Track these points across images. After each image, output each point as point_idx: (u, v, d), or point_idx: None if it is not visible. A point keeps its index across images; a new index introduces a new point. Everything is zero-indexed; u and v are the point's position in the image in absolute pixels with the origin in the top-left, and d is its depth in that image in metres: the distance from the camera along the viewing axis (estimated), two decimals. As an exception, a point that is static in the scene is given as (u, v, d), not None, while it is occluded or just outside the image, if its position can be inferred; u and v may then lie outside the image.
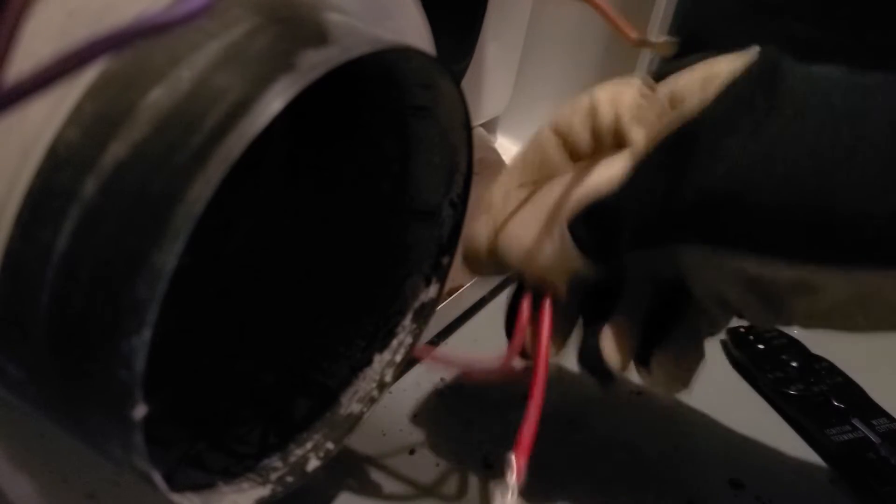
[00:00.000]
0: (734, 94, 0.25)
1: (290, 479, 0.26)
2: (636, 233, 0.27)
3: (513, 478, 0.26)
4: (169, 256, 0.17)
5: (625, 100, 0.28)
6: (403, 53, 0.22)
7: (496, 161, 0.48)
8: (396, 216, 0.30)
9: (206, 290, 0.32)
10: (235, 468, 0.26)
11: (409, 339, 0.30)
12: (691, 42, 0.61)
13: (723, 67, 0.26)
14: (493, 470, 0.34)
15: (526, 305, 0.29)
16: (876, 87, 0.26)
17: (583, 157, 0.29)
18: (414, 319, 0.30)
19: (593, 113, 0.29)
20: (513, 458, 0.27)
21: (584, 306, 0.30)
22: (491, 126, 0.55)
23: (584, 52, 0.50)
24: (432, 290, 0.29)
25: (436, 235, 0.29)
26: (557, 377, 0.39)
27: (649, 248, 0.27)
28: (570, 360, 0.38)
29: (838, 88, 0.26)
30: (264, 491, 0.25)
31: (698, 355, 0.30)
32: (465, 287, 0.40)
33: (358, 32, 0.21)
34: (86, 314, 0.18)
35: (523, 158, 0.30)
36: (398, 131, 0.28)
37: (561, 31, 0.51)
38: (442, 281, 0.29)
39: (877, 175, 0.24)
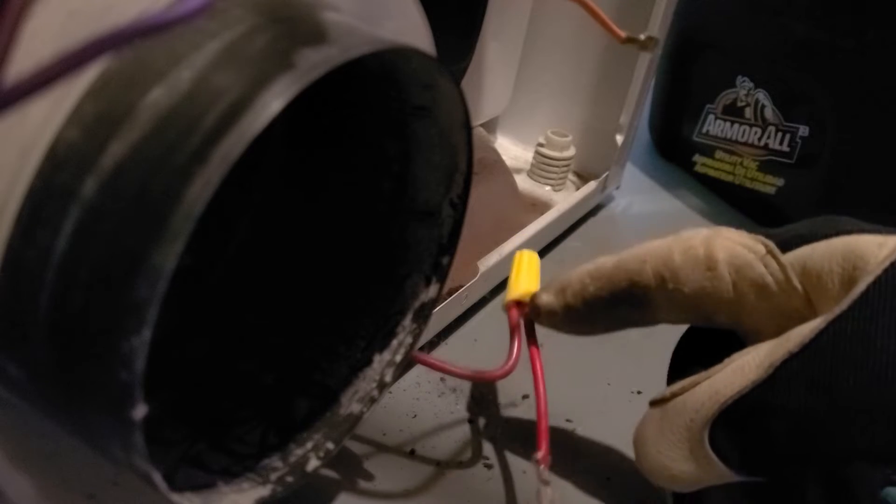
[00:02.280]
0: (885, 294, 0.23)
1: (290, 479, 0.26)
2: (783, 442, 0.24)
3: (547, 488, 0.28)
4: (169, 256, 0.17)
5: (746, 264, 0.26)
6: (403, 53, 0.22)
7: (496, 161, 0.48)
8: (396, 216, 0.30)
9: (206, 290, 0.32)
10: (235, 468, 0.26)
11: (409, 339, 0.30)
12: (691, 42, 0.61)
13: (867, 250, 0.24)
14: (493, 470, 0.34)
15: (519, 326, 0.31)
16: None
17: (675, 298, 0.27)
18: (414, 319, 0.30)
19: (710, 267, 0.26)
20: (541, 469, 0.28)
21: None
22: (491, 126, 0.55)
23: (584, 52, 0.50)
24: (432, 290, 0.29)
25: (436, 235, 0.29)
26: (557, 378, 0.39)
27: (800, 460, 0.24)
28: (568, 360, 0.38)
29: None
30: (264, 491, 0.25)
31: None
32: (465, 287, 0.40)
33: (358, 32, 0.21)
34: (86, 314, 0.18)
35: (600, 267, 0.29)
36: (398, 131, 0.28)
37: (561, 31, 0.51)
38: (442, 281, 0.29)
39: None
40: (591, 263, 0.30)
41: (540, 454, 0.29)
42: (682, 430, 0.26)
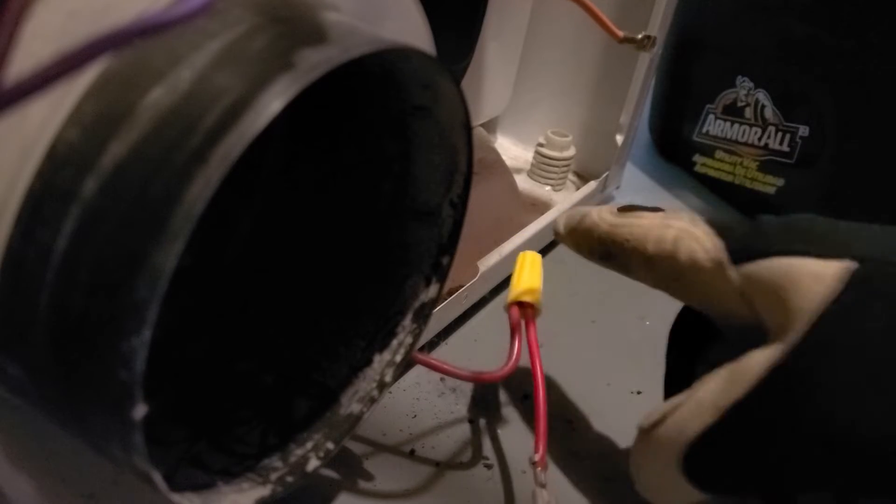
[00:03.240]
0: (830, 324, 0.24)
1: (290, 479, 0.26)
2: (737, 476, 0.27)
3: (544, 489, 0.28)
4: (169, 256, 0.17)
5: (703, 270, 0.28)
6: (403, 53, 0.22)
7: (496, 161, 0.48)
8: (396, 216, 0.30)
9: (206, 290, 0.32)
10: (235, 468, 0.26)
11: (409, 339, 0.30)
12: (691, 42, 0.61)
13: (802, 285, 0.25)
14: (493, 470, 0.34)
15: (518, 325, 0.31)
16: None
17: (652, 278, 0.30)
18: (414, 319, 0.30)
19: (674, 267, 0.29)
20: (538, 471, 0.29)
21: None
22: (491, 126, 0.55)
23: (584, 52, 0.50)
24: (432, 290, 0.29)
25: (436, 235, 0.29)
26: (557, 378, 0.39)
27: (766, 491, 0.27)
28: (568, 360, 0.38)
29: None
30: (264, 491, 0.25)
31: None
32: (465, 287, 0.40)
33: (358, 32, 0.21)
34: (86, 314, 0.18)
35: (598, 224, 0.31)
36: (398, 131, 0.28)
37: (561, 31, 0.51)
38: (442, 281, 0.29)
39: None
40: (595, 215, 0.32)
41: (537, 456, 0.29)
42: (663, 460, 0.28)
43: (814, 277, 0.25)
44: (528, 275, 0.33)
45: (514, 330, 0.31)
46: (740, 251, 0.27)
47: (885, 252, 0.25)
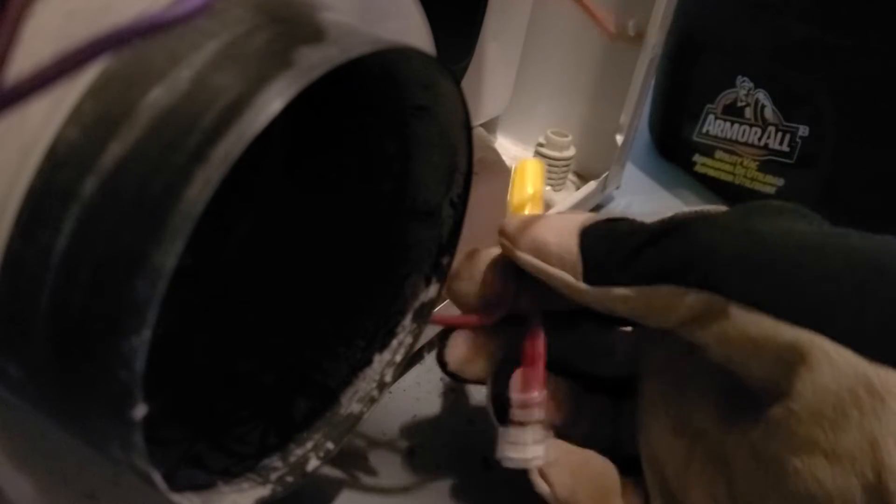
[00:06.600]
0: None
1: (290, 479, 0.26)
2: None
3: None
4: (169, 256, 0.17)
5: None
6: (403, 53, 0.22)
7: (496, 161, 0.48)
8: (396, 216, 0.30)
9: (206, 290, 0.32)
10: (235, 468, 0.26)
11: (409, 339, 0.30)
12: (691, 42, 0.61)
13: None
14: (494, 470, 0.34)
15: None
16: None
17: None
18: (414, 319, 0.30)
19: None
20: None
21: None
22: (491, 126, 0.55)
23: (584, 52, 0.50)
24: (432, 290, 0.29)
25: (436, 235, 0.29)
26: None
27: None
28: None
29: None
30: (264, 491, 0.25)
31: None
32: (465, 287, 0.40)
33: (357, 32, 0.21)
34: (86, 314, 0.18)
35: None
36: (398, 131, 0.28)
37: (561, 31, 0.51)
38: (442, 281, 0.29)
39: None
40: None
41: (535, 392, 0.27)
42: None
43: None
44: (529, 185, 0.30)
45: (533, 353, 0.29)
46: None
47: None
